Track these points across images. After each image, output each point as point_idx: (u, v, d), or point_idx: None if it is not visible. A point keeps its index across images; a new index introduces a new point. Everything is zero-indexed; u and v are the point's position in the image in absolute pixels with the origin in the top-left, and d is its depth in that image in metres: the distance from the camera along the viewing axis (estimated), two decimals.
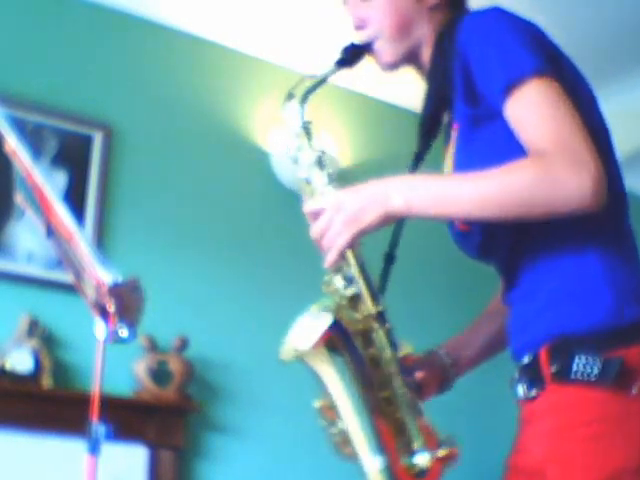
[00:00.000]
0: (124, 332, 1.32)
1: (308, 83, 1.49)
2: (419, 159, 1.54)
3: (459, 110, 1.38)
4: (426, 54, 1.48)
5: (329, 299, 1.45)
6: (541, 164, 1.24)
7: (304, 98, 1.50)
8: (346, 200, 1.37)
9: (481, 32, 1.34)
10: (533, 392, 1.35)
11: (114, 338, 1.32)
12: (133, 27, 3.50)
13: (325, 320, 1.39)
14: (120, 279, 1.30)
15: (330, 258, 1.40)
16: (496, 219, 1.28)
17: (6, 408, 2.79)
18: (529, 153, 1.27)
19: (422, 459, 1.41)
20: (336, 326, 1.40)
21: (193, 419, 3.17)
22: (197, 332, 3.22)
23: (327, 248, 1.39)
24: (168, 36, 3.56)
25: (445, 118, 1.48)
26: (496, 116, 1.31)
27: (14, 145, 1.41)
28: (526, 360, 1.36)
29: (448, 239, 1.48)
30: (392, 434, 1.42)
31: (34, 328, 2.93)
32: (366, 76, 3.88)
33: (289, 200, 3.65)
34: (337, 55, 1.51)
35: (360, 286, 1.44)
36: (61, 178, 3.18)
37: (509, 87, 1.27)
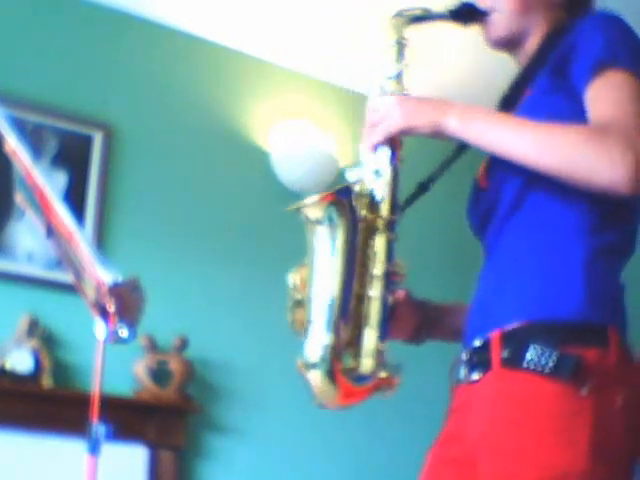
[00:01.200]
0: (124, 332, 1.32)
1: (418, 11, 1.51)
2: None
3: (540, 81, 1.42)
4: (531, 43, 1.51)
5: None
6: (599, 133, 1.27)
7: (409, 20, 1.51)
8: (410, 98, 1.42)
9: (599, 21, 1.39)
10: (475, 375, 1.35)
11: (114, 338, 1.32)
12: (133, 27, 3.50)
13: (340, 185, 1.40)
14: (120, 279, 1.30)
15: (375, 138, 1.42)
16: (537, 166, 1.29)
17: (6, 408, 2.79)
18: (592, 125, 1.30)
19: (366, 366, 1.37)
20: (346, 193, 1.40)
21: (193, 419, 3.17)
22: (197, 332, 3.22)
23: (377, 131, 1.42)
24: (168, 36, 3.56)
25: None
26: (572, 94, 1.35)
27: (14, 145, 1.41)
28: (477, 343, 1.36)
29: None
30: (348, 328, 1.38)
31: (34, 328, 2.93)
32: (366, 76, 3.89)
33: (289, 200, 3.64)
34: (452, 5, 1.51)
35: (385, 188, 1.43)
36: (61, 178, 3.18)
37: (602, 66, 1.32)
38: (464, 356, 1.39)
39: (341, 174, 3.74)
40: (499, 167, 1.39)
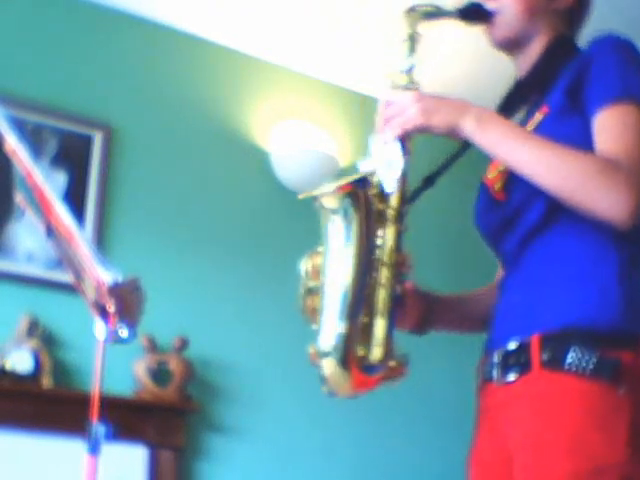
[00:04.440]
0: (124, 332, 1.32)
1: (429, 8, 1.53)
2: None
3: (555, 97, 1.45)
4: (534, 47, 1.55)
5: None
6: (611, 167, 1.31)
7: (421, 15, 1.52)
8: (427, 96, 1.42)
9: (613, 47, 1.43)
10: (511, 376, 1.39)
11: (114, 338, 1.32)
12: (133, 27, 3.50)
13: (356, 176, 1.41)
14: (120, 279, 1.30)
15: (391, 132, 1.44)
16: (544, 185, 1.34)
17: (6, 408, 2.79)
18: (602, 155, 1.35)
19: (375, 355, 1.39)
20: (363, 183, 1.42)
21: (193, 419, 3.17)
22: (197, 332, 3.22)
23: (393, 125, 1.43)
24: (168, 36, 3.56)
25: (533, 98, 1.55)
26: (585, 119, 1.39)
27: (14, 145, 1.41)
28: (512, 346, 1.39)
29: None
30: (360, 318, 1.40)
31: (34, 328, 2.93)
32: (366, 76, 3.89)
33: (289, 200, 3.65)
34: (460, 4, 1.55)
35: (395, 180, 1.44)
36: (61, 178, 3.18)
37: (614, 97, 1.36)
38: (496, 358, 1.43)
39: (342, 175, 3.74)
40: (521, 182, 1.41)
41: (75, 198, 3.14)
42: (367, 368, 1.39)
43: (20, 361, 2.85)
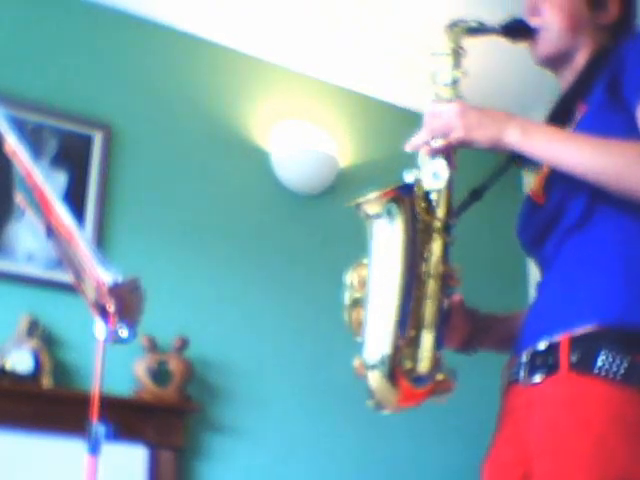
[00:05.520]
0: (124, 332, 1.32)
1: (473, 23, 1.54)
2: None
3: (594, 96, 1.45)
4: (577, 62, 1.55)
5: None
6: None
7: (464, 31, 1.53)
8: (471, 109, 1.42)
9: None
10: (537, 377, 1.36)
11: (114, 338, 1.32)
12: (133, 27, 3.50)
13: (401, 182, 1.41)
14: (120, 279, 1.30)
15: (437, 146, 1.43)
16: (596, 178, 1.33)
17: (6, 408, 2.79)
18: None
19: (423, 367, 1.38)
20: (407, 190, 1.41)
21: (193, 419, 3.17)
22: (197, 332, 3.22)
23: (437, 138, 1.43)
24: (168, 36, 3.56)
25: (577, 111, 1.54)
26: (628, 112, 1.38)
27: (14, 145, 1.41)
28: (541, 346, 1.37)
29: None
30: (407, 331, 1.39)
31: (34, 328, 2.93)
32: (366, 76, 3.89)
33: (289, 200, 3.66)
34: (504, 21, 1.56)
35: (441, 192, 1.44)
36: (61, 178, 3.18)
37: None
38: (524, 358, 1.41)
39: (342, 175, 3.74)
40: (560, 183, 1.42)
41: (75, 198, 3.14)
42: (414, 380, 1.38)
43: (20, 361, 2.85)
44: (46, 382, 2.88)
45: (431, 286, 1.41)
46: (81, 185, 3.20)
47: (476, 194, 1.56)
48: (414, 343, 1.38)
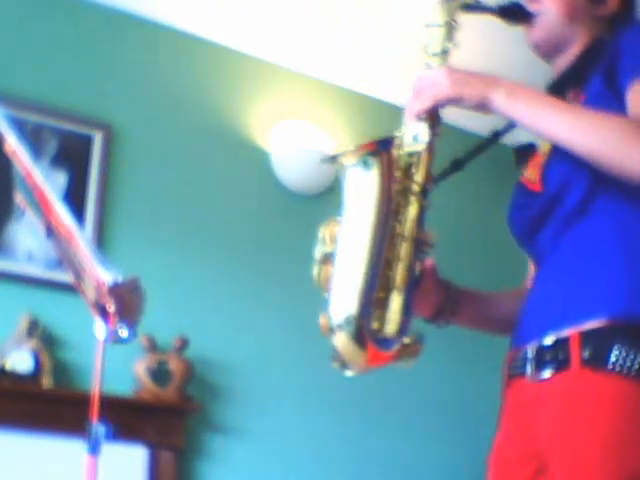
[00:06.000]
0: (124, 332, 1.32)
1: (469, 0, 1.52)
2: None
3: (593, 85, 1.44)
4: (572, 51, 1.54)
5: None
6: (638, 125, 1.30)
7: (460, 6, 1.51)
8: (459, 69, 1.41)
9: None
10: (546, 373, 1.34)
11: (114, 338, 1.32)
12: (133, 27, 3.50)
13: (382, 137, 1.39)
14: (120, 279, 1.30)
15: (423, 105, 1.41)
16: (579, 146, 1.32)
17: (6, 408, 2.79)
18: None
19: (390, 329, 1.35)
20: (386, 145, 1.39)
21: (193, 419, 3.17)
22: (197, 332, 3.22)
23: (424, 97, 1.41)
24: (168, 36, 3.56)
25: (570, 97, 1.53)
26: (623, 100, 1.37)
27: (14, 145, 1.41)
28: (548, 341, 1.35)
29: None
30: (376, 290, 1.36)
31: (34, 328, 2.93)
32: (366, 76, 3.89)
33: (289, 200, 3.66)
34: (501, 2, 1.55)
35: (421, 157, 1.43)
36: (61, 178, 3.18)
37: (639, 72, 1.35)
38: (529, 352, 1.38)
39: (340, 175, 3.74)
40: (559, 170, 1.40)
41: (75, 198, 3.14)
42: (381, 342, 1.34)
43: (20, 361, 2.85)
44: (46, 382, 2.88)
45: (404, 248, 1.38)
46: (81, 185, 3.20)
47: (458, 164, 1.55)
48: (382, 305, 1.35)
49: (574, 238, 1.39)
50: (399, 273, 1.37)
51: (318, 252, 1.42)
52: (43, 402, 2.86)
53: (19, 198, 1.44)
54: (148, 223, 3.32)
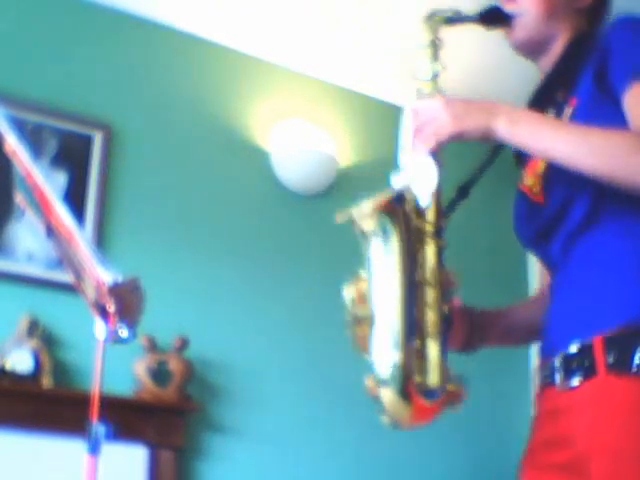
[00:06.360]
0: (124, 332, 1.32)
1: (449, 13, 1.52)
2: None
3: (583, 88, 1.43)
4: (555, 48, 1.53)
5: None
6: None
7: (442, 21, 1.52)
8: (456, 101, 1.39)
9: (631, 24, 1.41)
10: (575, 381, 1.34)
11: (114, 338, 1.32)
12: (133, 27, 3.50)
13: (391, 192, 1.37)
14: (120, 279, 1.30)
15: (427, 146, 1.39)
16: (585, 167, 1.30)
17: (6, 408, 2.79)
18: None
19: (433, 380, 1.35)
20: (400, 200, 1.38)
21: (193, 419, 3.17)
22: (197, 332, 3.22)
23: (426, 136, 1.39)
24: (168, 36, 3.56)
25: (559, 97, 1.52)
26: (617, 102, 1.36)
27: (14, 145, 1.41)
28: (573, 349, 1.35)
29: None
30: (414, 344, 1.36)
31: (34, 328, 2.93)
32: (366, 76, 3.89)
33: (289, 200, 3.66)
34: (480, 9, 1.54)
35: (430, 194, 1.41)
36: (61, 178, 3.18)
37: (636, 74, 1.34)
38: (557, 362, 1.39)
39: (342, 175, 3.74)
40: (561, 183, 1.40)
41: (75, 198, 3.14)
42: (426, 394, 1.34)
43: (20, 361, 2.85)
44: (46, 382, 2.88)
45: (431, 295, 1.37)
46: (81, 185, 3.20)
47: (463, 191, 1.52)
48: (420, 355, 1.35)
49: (585, 248, 1.40)
50: (431, 320, 1.37)
51: (350, 314, 1.41)
52: (43, 402, 2.86)
53: (19, 198, 1.44)
54: (148, 223, 3.32)
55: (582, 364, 1.33)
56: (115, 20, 3.45)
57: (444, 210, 1.43)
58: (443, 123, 1.37)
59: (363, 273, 1.40)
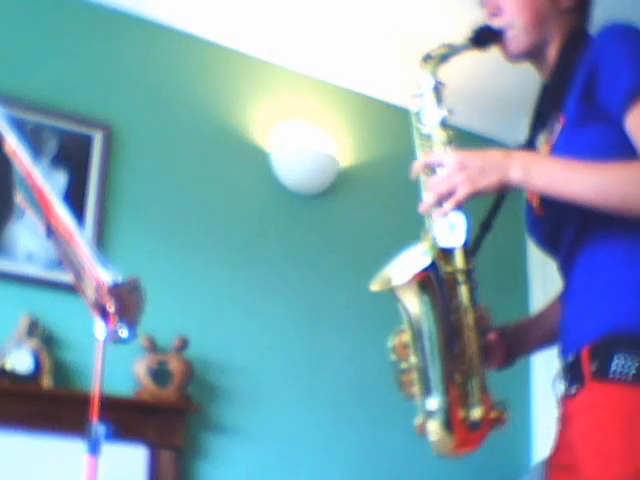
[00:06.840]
0: (124, 332, 1.32)
1: (443, 50, 1.55)
2: (530, 147, 1.58)
3: (570, 106, 1.45)
4: (551, 52, 1.55)
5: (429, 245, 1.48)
6: None
7: (438, 61, 1.55)
8: (470, 160, 1.42)
9: (617, 37, 1.42)
10: (573, 390, 1.41)
11: (114, 338, 1.32)
12: (133, 27, 3.50)
13: (424, 260, 1.43)
14: (120, 279, 1.30)
15: (448, 207, 1.43)
16: (605, 207, 1.34)
17: (6, 408, 2.79)
18: None
19: (477, 413, 1.46)
20: (433, 268, 1.44)
21: (193, 419, 3.17)
22: (197, 332, 3.23)
23: (445, 197, 1.43)
24: (167, 36, 3.56)
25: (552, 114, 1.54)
26: (608, 122, 1.38)
27: (14, 145, 1.41)
28: (570, 359, 1.42)
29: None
30: (456, 383, 1.46)
31: (34, 328, 2.93)
32: (366, 76, 3.89)
33: (289, 200, 3.66)
34: (470, 33, 1.56)
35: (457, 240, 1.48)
36: (61, 178, 3.18)
37: (635, 92, 1.34)
38: (561, 372, 1.47)
39: (342, 175, 3.74)
40: (553, 204, 1.42)
41: (75, 198, 3.14)
42: (470, 426, 1.46)
43: (20, 361, 2.85)
44: (46, 382, 2.88)
45: (468, 335, 1.47)
46: (81, 185, 3.20)
47: (487, 225, 1.57)
48: (463, 391, 1.46)
49: (582, 259, 1.44)
50: (471, 358, 1.47)
51: (394, 367, 1.53)
52: (43, 402, 2.86)
53: (19, 198, 1.44)
54: (148, 223, 3.32)
55: (575, 373, 1.40)
56: (115, 20, 3.45)
57: (471, 249, 1.50)
58: (459, 185, 1.41)
59: (403, 326, 1.49)
